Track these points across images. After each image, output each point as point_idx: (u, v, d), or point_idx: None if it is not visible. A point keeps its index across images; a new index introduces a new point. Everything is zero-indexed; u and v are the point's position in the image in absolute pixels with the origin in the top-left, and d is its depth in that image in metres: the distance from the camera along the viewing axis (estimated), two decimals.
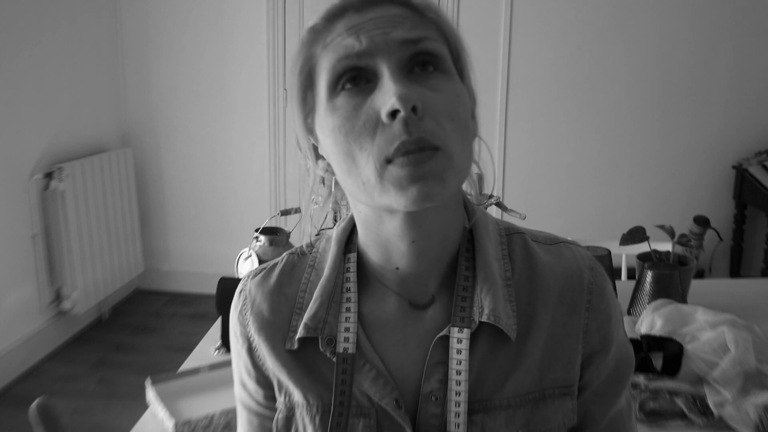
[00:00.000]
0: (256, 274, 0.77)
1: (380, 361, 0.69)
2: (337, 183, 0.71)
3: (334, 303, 0.71)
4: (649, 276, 1.56)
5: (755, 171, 3.34)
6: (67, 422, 2.62)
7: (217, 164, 3.83)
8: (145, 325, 3.55)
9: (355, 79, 0.62)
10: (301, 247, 0.78)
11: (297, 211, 1.87)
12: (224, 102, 3.75)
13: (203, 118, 3.78)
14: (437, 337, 0.68)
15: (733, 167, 3.51)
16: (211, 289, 1.65)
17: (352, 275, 0.72)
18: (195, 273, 3.93)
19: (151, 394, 1.30)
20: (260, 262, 1.69)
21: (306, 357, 0.71)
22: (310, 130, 0.69)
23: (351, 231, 0.75)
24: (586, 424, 0.73)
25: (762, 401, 1.18)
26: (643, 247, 1.73)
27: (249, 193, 3.84)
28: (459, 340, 0.67)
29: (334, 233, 0.75)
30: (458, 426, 0.66)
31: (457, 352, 0.66)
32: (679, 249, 1.72)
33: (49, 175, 3.11)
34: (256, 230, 1.74)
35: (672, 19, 3.46)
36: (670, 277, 1.55)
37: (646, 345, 1.32)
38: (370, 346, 0.70)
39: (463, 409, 0.66)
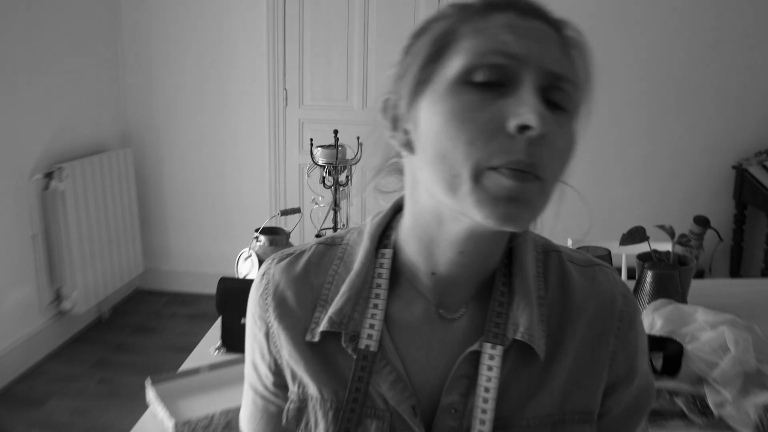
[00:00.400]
0: (282, 259, 0.74)
1: (401, 365, 0.67)
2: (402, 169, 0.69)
3: (362, 299, 0.69)
4: (649, 276, 1.56)
5: (755, 171, 3.34)
6: (66, 422, 2.62)
7: (217, 164, 3.83)
8: (145, 325, 3.55)
9: (493, 77, 0.58)
10: (332, 236, 0.76)
11: (297, 211, 1.87)
12: (224, 102, 3.75)
13: (203, 118, 3.78)
14: (468, 350, 0.66)
15: (733, 167, 3.51)
16: (211, 289, 1.65)
17: (385, 272, 0.69)
18: (195, 273, 3.93)
19: (151, 394, 1.30)
20: (260, 262, 1.69)
21: (325, 351, 0.69)
22: (411, 99, 0.63)
23: (386, 226, 0.73)
24: None
25: (762, 401, 1.18)
26: (643, 247, 1.73)
27: (249, 193, 3.84)
28: (491, 356, 0.65)
29: (368, 227, 0.73)
30: (481, 421, 0.64)
31: (488, 369, 0.65)
32: (679, 249, 1.72)
33: (49, 175, 3.11)
34: (256, 230, 1.74)
35: (672, 18, 3.46)
36: (670, 277, 1.55)
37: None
38: (393, 347, 0.68)
39: (488, 428, 0.64)
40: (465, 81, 0.59)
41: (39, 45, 3.07)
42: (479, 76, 0.58)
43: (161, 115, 3.80)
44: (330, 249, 0.74)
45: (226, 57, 3.69)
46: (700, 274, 3.44)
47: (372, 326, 0.67)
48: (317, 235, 1.76)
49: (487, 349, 0.65)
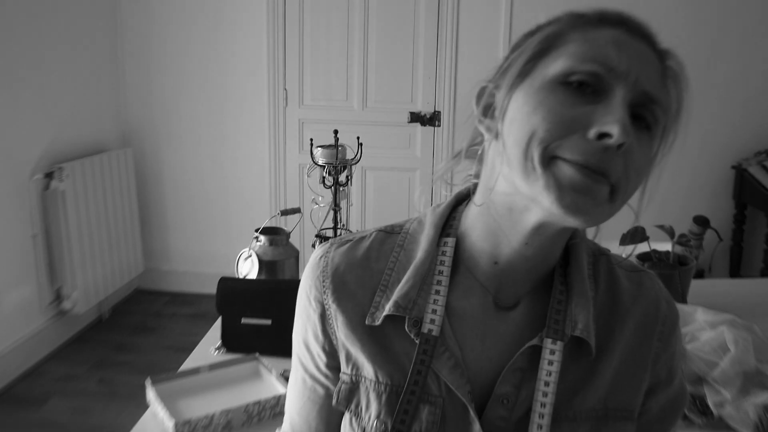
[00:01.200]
0: (342, 244, 0.76)
1: (459, 351, 0.69)
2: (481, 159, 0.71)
3: (426, 285, 0.71)
4: None
5: (755, 171, 3.34)
6: (66, 422, 2.62)
7: (217, 164, 3.83)
8: (145, 325, 3.55)
9: (589, 82, 0.61)
10: (391, 225, 0.78)
11: (297, 211, 1.87)
12: (224, 102, 3.75)
13: (203, 118, 3.78)
14: (528, 344, 0.68)
15: (733, 167, 3.51)
16: (211, 289, 1.65)
17: (447, 260, 0.72)
18: (195, 273, 3.93)
19: (151, 394, 1.30)
20: (260, 262, 1.69)
21: (384, 335, 0.71)
22: (508, 89, 0.66)
23: (448, 216, 0.75)
24: None
25: (762, 401, 1.18)
26: (643, 247, 1.73)
27: (249, 193, 3.84)
28: (552, 351, 0.67)
29: (429, 216, 0.75)
30: (541, 427, 0.67)
31: (549, 363, 0.67)
32: (679, 249, 1.72)
33: (49, 175, 3.11)
34: (256, 230, 1.74)
35: (671, 18, 3.46)
36: (670, 277, 1.55)
37: None
38: (452, 334, 0.70)
39: (546, 422, 0.67)
40: (562, 81, 0.62)
41: (39, 45, 3.07)
42: (575, 78, 0.61)
43: (161, 115, 3.80)
44: (390, 237, 0.76)
45: (226, 57, 3.69)
46: (699, 274, 3.44)
47: (434, 311, 0.69)
48: (317, 235, 1.76)
49: (548, 344, 0.68)
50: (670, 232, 1.69)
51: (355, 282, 0.73)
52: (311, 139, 1.87)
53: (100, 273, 3.39)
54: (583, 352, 0.69)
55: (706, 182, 3.62)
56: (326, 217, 1.80)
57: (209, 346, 1.55)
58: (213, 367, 1.40)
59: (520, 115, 0.62)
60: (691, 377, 1.26)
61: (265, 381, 1.40)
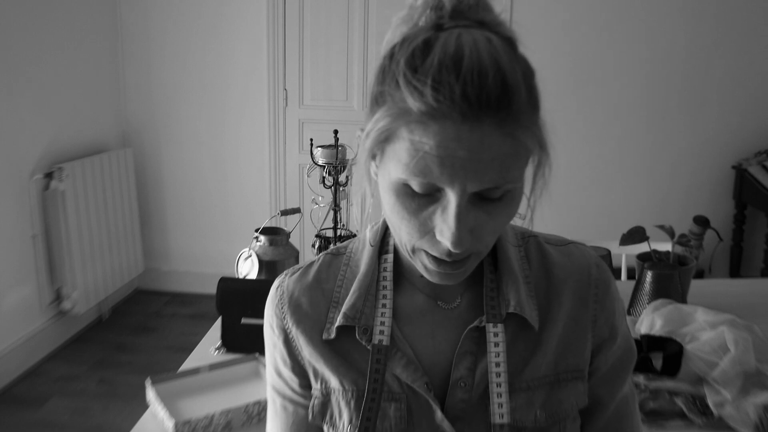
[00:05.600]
0: (294, 273, 0.83)
1: (411, 351, 0.75)
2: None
3: (370, 296, 0.77)
4: (649, 276, 1.56)
5: (755, 171, 3.34)
6: (66, 422, 2.62)
7: (217, 164, 3.83)
8: (145, 325, 3.55)
9: (423, 191, 0.63)
10: (336, 247, 0.84)
11: (297, 211, 1.87)
12: (224, 102, 3.75)
13: (203, 118, 3.78)
14: (468, 328, 0.74)
15: (733, 167, 3.51)
16: (211, 289, 1.65)
17: (389, 274, 0.78)
18: (195, 273, 3.93)
19: (151, 394, 1.30)
20: (260, 262, 1.69)
21: (341, 347, 0.77)
22: (373, 157, 0.68)
23: (384, 233, 0.80)
24: (595, 407, 0.80)
25: (762, 401, 1.18)
26: (643, 247, 1.73)
27: (249, 193, 3.84)
28: (495, 334, 0.73)
29: (368, 235, 0.81)
30: (501, 406, 0.72)
31: (495, 345, 0.73)
32: (679, 249, 1.72)
33: (49, 175, 3.11)
34: (256, 230, 1.74)
35: (671, 19, 3.46)
36: (670, 277, 1.55)
37: (646, 345, 1.32)
38: (402, 337, 0.76)
39: (505, 398, 0.72)
40: (403, 184, 0.64)
41: (39, 45, 3.07)
42: (413, 187, 0.63)
43: (161, 115, 3.80)
44: (336, 258, 0.82)
45: (227, 57, 3.69)
46: (699, 274, 3.44)
47: (383, 323, 0.75)
48: (317, 235, 1.76)
49: (491, 328, 0.73)
50: (670, 232, 1.69)
51: (309, 303, 0.79)
52: (311, 139, 1.87)
53: (100, 273, 3.39)
54: (526, 326, 0.75)
55: (706, 182, 3.62)
56: (326, 217, 1.80)
57: (209, 346, 1.55)
58: (213, 367, 1.40)
59: (386, 202, 0.67)
60: (691, 377, 1.27)
61: (265, 381, 1.40)
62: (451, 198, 0.62)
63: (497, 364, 0.73)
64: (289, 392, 0.82)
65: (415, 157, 0.61)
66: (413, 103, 0.59)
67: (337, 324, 0.76)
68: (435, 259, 0.67)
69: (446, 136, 0.59)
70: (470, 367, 0.74)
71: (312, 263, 0.83)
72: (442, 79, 0.58)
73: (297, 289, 0.80)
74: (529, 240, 0.81)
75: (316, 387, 0.79)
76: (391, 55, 0.64)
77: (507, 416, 0.72)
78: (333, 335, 0.77)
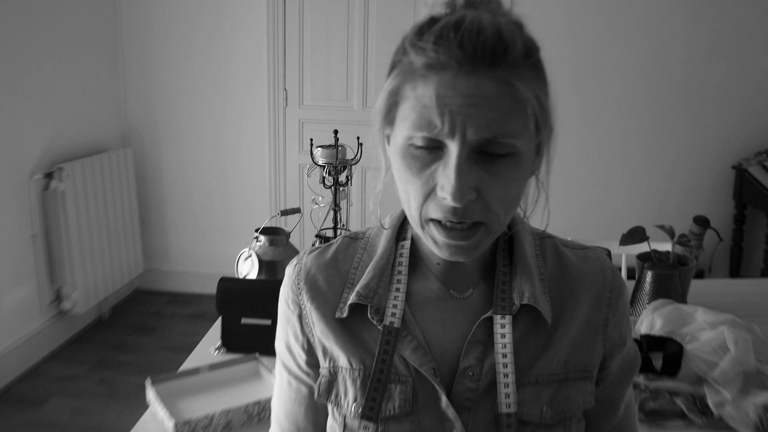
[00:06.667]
0: (312, 251, 0.85)
1: (421, 335, 0.76)
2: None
3: (385, 278, 0.78)
4: (649, 276, 1.56)
5: (755, 171, 3.34)
6: (66, 422, 2.62)
7: (218, 164, 3.83)
8: (145, 325, 3.55)
9: (426, 145, 0.66)
10: (355, 232, 0.86)
11: (297, 211, 1.87)
12: (224, 102, 3.75)
13: (203, 118, 3.78)
14: (481, 318, 0.76)
15: (733, 167, 3.51)
16: (211, 289, 1.65)
17: (405, 260, 0.79)
18: (195, 273, 3.93)
19: (151, 394, 1.30)
20: (260, 262, 1.69)
21: (353, 326, 0.78)
22: (385, 128, 0.72)
23: (404, 221, 0.82)
24: (608, 409, 0.83)
25: (762, 401, 1.18)
26: (643, 247, 1.73)
27: (249, 193, 3.84)
28: (502, 325, 0.75)
29: (387, 221, 0.83)
30: (508, 396, 0.74)
31: (502, 336, 0.75)
32: (679, 249, 1.72)
33: (49, 175, 3.11)
34: (256, 230, 1.74)
35: (671, 19, 3.46)
36: (670, 277, 1.55)
37: (646, 345, 1.32)
38: (414, 321, 0.77)
39: (512, 388, 0.74)
40: (409, 144, 0.68)
41: (39, 45, 3.07)
42: (417, 143, 0.67)
43: (161, 115, 3.80)
44: (354, 241, 0.84)
45: (227, 57, 3.69)
46: (699, 274, 3.44)
47: (395, 305, 0.77)
48: (317, 235, 1.76)
49: (498, 320, 0.75)
50: (670, 232, 1.69)
51: (325, 282, 0.81)
52: (311, 139, 1.87)
53: (100, 273, 3.39)
54: (539, 322, 0.76)
55: (706, 182, 3.62)
56: (326, 217, 1.80)
57: (209, 346, 1.55)
58: (213, 367, 1.40)
59: (395, 170, 0.71)
60: (691, 377, 1.27)
61: (265, 381, 1.40)
62: (452, 150, 0.65)
63: (504, 356, 0.74)
64: (295, 368, 0.84)
65: (417, 110, 0.65)
66: (415, 59, 0.65)
67: (350, 302, 0.77)
68: (443, 228, 0.68)
69: (444, 84, 0.64)
70: (479, 357, 0.75)
71: (331, 244, 0.85)
72: (442, 35, 0.64)
73: (314, 267, 0.82)
74: (545, 240, 0.83)
75: (324, 365, 0.80)
76: (404, 37, 0.70)
77: (514, 406, 0.73)
78: (346, 313, 0.78)
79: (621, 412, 0.84)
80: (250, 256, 1.70)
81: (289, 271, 0.84)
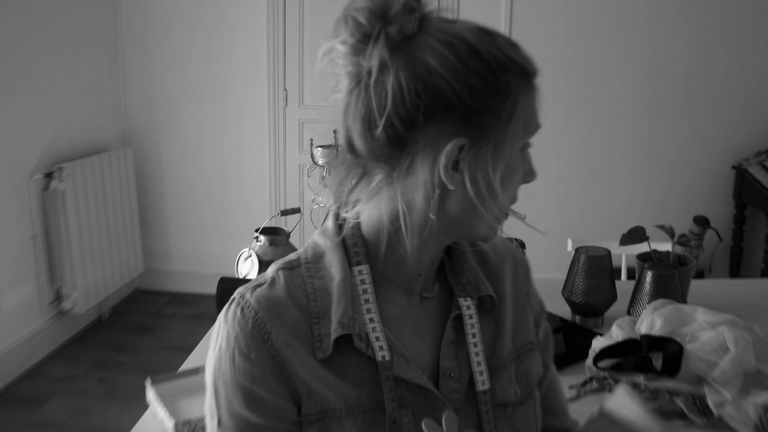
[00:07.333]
0: (255, 288, 0.74)
1: (405, 351, 0.75)
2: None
3: (355, 302, 0.73)
4: (649, 276, 1.56)
5: (755, 171, 3.34)
6: (66, 422, 2.62)
7: (218, 164, 3.83)
8: (145, 325, 3.55)
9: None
10: (287, 261, 0.78)
11: (297, 211, 1.87)
12: (224, 102, 3.75)
13: (203, 118, 3.78)
14: (452, 317, 0.78)
15: (733, 167, 3.51)
16: (211, 289, 1.65)
17: (369, 287, 0.74)
18: (195, 273, 3.93)
19: (151, 394, 1.30)
20: (260, 262, 1.69)
21: (337, 362, 0.72)
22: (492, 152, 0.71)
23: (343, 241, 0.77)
24: (544, 371, 0.89)
25: (762, 401, 1.18)
26: (642, 247, 1.73)
27: (249, 193, 3.84)
28: (468, 307, 0.79)
29: (322, 242, 0.78)
30: (482, 373, 0.77)
31: (470, 317, 0.78)
32: (679, 249, 1.72)
33: (49, 175, 3.11)
34: (256, 230, 1.74)
35: (671, 19, 3.46)
36: (670, 277, 1.55)
37: (646, 345, 1.32)
38: (394, 339, 0.75)
39: (484, 367, 0.77)
40: (520, 150, 0.74)
41: (39, 45, 3.07)
42: (527, 143, 0.75)
43: (161, 115, 3.80)
44: (293, 272, 0.76)
45: (226, 57, 3.69)
46: (699, 274, 3.44)
47: (377, 339, 0.72)
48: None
49: (462, 302, 0.79)
50: (670, 232, 1.69)
51: (292, 320, 0.72)
52: (311, 139, 1.87)
53: (100, 273, 3.39)
54: (487, 309, 0.81)
55: (706, 182, 3.62)
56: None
57: (209, 346, 1.55)
58: None
59: (507, 177, 0.72)
60: (691, 377, 1.26)
61: None
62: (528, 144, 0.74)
63: (473, 335, 0.78)
64: (284, 426, 0.71)
65: (531, 114, 0.72)
66: (525, 68, 0.71)
67: (335, 336, 0.71)
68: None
69: (535, 89, 0.72)
70: (454, 356, 0.77)
71: (272, 279, 0.75)
72: (518, 50, 0.72)
73: (273, 305, 0.72)
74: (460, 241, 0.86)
75: (309, 412, 0.71)
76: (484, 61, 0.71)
77: (488, 383, 0.77)
78: (330, 351, 0.71)
79: (551, 371, 0.91)
80: (250, 256, 1.70)
81: (239, 316, 0.72)
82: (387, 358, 0.72)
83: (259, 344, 0.71)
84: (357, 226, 0.76)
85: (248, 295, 0.73)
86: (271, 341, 0.71)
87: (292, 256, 0.79)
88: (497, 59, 0.68)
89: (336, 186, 0.77)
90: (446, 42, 0.68)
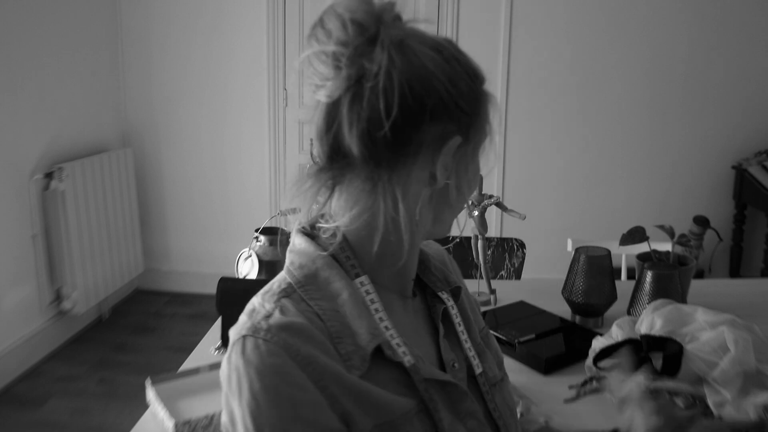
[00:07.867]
0: (266, 318, 0.70)
1: (418, 350, 0.76)
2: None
3: (369, 314, 0.73)
4: (649, 276, 1.56)
5: (755, 171, 3.34)
6: (66, 422, 2.62)
7: (218, 164, 3.83)
8: (145, 325, 3.55)
9: None
10: (279, 290, 0.74)
11: (297, 211, 1.87)
12: (224, 102, 3.75)
13: (203, 118, 3.78)
14: (440, 311, 0.83)
15: (733, 167, 3.51)
16: (211, 289, 1.65)
17: (374, 295, 0.74)
18: (195, 273, 3.93)
19: (151, 394, 1.30)
20: (260, 262, 1.69)
21: (371, 375, 0.70)
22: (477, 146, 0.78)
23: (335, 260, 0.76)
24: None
25: (762, 401, 1.18)
26: (642, 247, 1.73)
27: (249, 193, 3.84)
28: (448, 299, 0.85)
29: (314, 263, 0.75)
30: (475, 357, 0.83)
31: (452, 308, 0.85)
32: (679, 249, 1.72)
33: (49, 175, 3.11)
34: (256, 230, 1.74)
35: (671, 19, 3.46)
36: (670, 277, 1.55)
37: (646, 345, 1.32)
38: (408, 343, 0.77)
39: (473, 352, 0.84)
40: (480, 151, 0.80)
41: (39, 45, 3.07)
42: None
43: (161, 115, 3.80)
44: (290, 297, 0.73)
45: (227, 57, 3.69)
46: (699, 274, 3.44)
47: (398, 345, 0.73)
48: None
49: (443, 295, 0.84)
50: (670, 232, 1.69)
51: (320, 342, 0.68)
52: (311, 139, 1.87)
53: (100, 273, 3.39)
54: (457, 299, 0.87)
55: (706, 182, 3.62)
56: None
57: (209, 346, 1.55)
58: (213, 367, 1.40)
59: (473, 176, 0.79)
60: (691, 377, 1.26)
61: None
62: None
63: (459, 324, 0.84)
64: None
65: (494, 111, 0.77)
66: (482, 79, 0.76)
67: (371, 348, 0.69)
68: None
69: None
70: (450, 348, 0.82)
71: (282, 309, 0.71)
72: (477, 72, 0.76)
73: (298, 330, 0.68)
74: None
75: (365, 428, 0.68)
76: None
77: (480, 366, 0.83)
78: (367, 365, 0.69)
79: (493, 347, 0.96)
80: (250, 256, 1.70)
81: (259, 351, 0.66)
82: (412, 362, 0.73)
83: (297, 371, 0.66)
84: (343, 238, 0.75)
85: (263, 327, 0.68)
86: (311, 366, 0.66)
87: (274, 285, 0.75)
88: (471, 67, 0.74)
89: (309, 201, 0.77)
90: (434, 47, 0.71)
